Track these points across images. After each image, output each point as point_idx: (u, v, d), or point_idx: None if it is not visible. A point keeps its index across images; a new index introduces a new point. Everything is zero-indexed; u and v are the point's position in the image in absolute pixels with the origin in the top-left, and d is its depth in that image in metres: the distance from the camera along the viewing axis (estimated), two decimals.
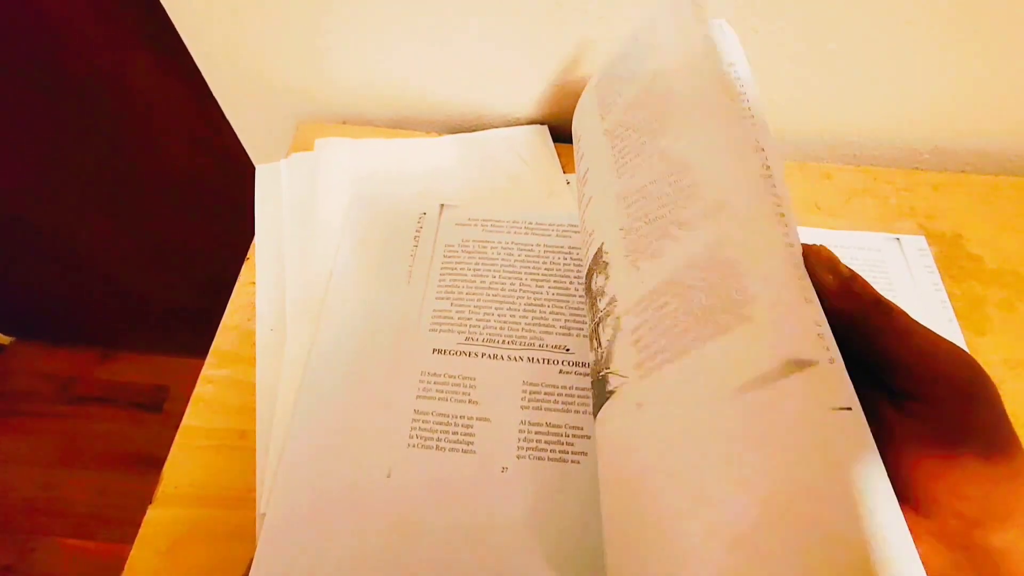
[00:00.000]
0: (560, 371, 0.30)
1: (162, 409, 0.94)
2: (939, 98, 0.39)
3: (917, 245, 0.37)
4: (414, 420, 0.29)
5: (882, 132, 0.42)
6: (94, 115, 0.52)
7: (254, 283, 0.34)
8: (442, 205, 0.37)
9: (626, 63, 0.28)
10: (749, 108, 0.23)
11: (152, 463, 0.94)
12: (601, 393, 0.23)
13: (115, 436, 0.92)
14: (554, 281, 0.34)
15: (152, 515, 0.27)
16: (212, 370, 0.31)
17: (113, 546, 0.84)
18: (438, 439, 0.28)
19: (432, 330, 0.32)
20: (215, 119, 0.45)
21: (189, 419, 0.30)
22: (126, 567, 0.26)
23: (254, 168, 0.51)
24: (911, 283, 0.35)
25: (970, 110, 0.39)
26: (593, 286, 0.26)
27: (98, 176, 0.60)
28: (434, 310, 0.32)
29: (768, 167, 0.21)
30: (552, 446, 0.28)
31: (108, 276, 0.79)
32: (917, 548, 0.15)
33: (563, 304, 0.33)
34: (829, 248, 0.21)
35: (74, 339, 0.96)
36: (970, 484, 0.16)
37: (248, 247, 0.37)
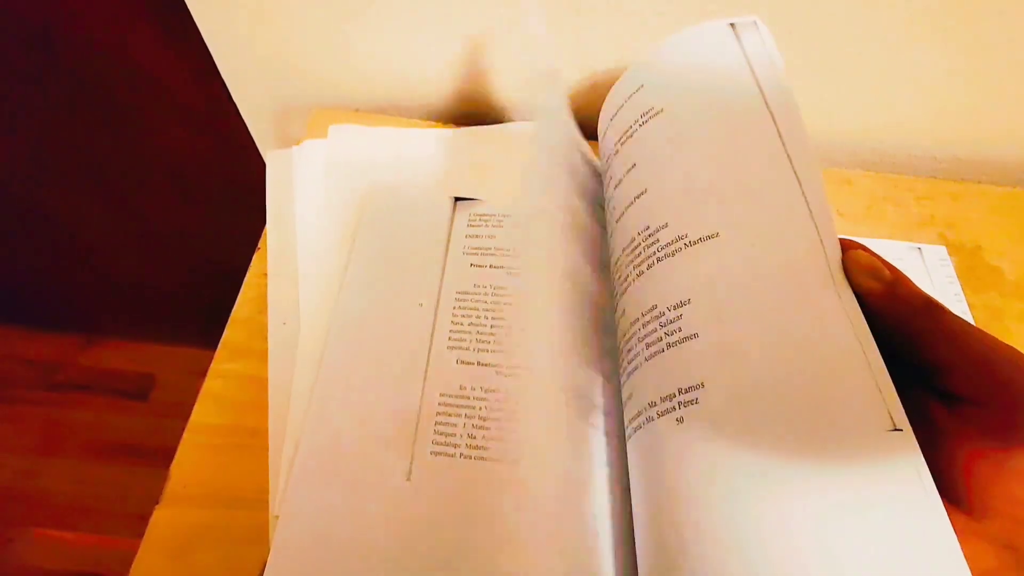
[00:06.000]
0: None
1: (148, 398, 0.91)
2: (959, 106, 0.39)
3: (938, 255, 0.37)
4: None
5: (903, 139, 0.41)
6: (89, 89, 0.49)
7: (266, 274, 0.33)
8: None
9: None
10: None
11: (137, 453, 0.92)
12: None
13: (98, 425, 0.89)
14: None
15: (159, 516, 0.26)
16: (222, 364, 0.30)
17: (94, 537, 0.82)
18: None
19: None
20: (221, 100, 0.44)
21: (197, 415, 0.28)
22: (132, 569, 0.24)
23: (258, 153, 0.49)
24: (932, 293, 0.35)
25: (989, 119, 0.39)
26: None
27: (90, 154, 0.58)
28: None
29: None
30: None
31: (95, 259, 0.76)
32: (963, 551, 0.15)
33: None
34: (869, 249, 0.21)
35: (57, 324, 0.93)
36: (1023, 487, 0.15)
37: (249, 235, 0.35)
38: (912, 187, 0.40)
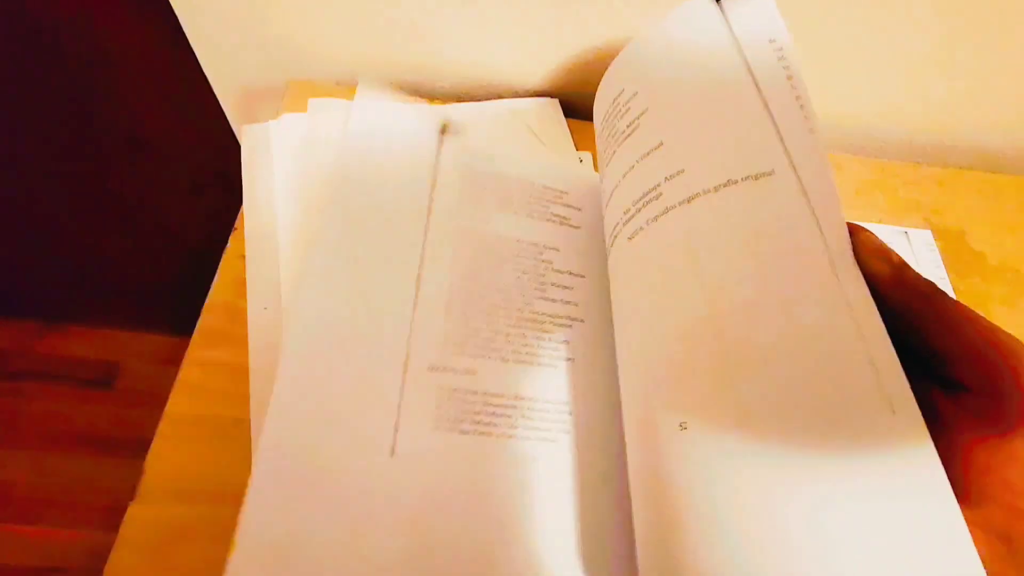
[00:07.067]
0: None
1: (112, 386, 0.87)
2: (946, 94, 0.39)
3: (924, 239, 0.37)
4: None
5: (890, 125, 0.41)
6: (47, 57, 0.46)
7: (243, 256, 0.31)
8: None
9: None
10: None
11: (102, 444, 0.88)
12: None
13: (59, 415, 0.85)
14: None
15: (134, 512, 0.24)
16: (198, 351, 0.28)
17: (58, 531, 0.78)
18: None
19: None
20: (189, 71, 0.41)
21: (174, 406, 0.27)
22: (106, 570, 0.23)
23: (230, 128, 0.47)
24: None
25: (973, 107, 0.40)
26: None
27: (47, 129, 0.54)
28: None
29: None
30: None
31: (52, 241, 0.72)
32: None
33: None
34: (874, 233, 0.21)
35: (10, 310, 0.88)
36: (1022, 476, 0.15)
37: (223, 214, 0.33)
38: (899, 172, 0.40)
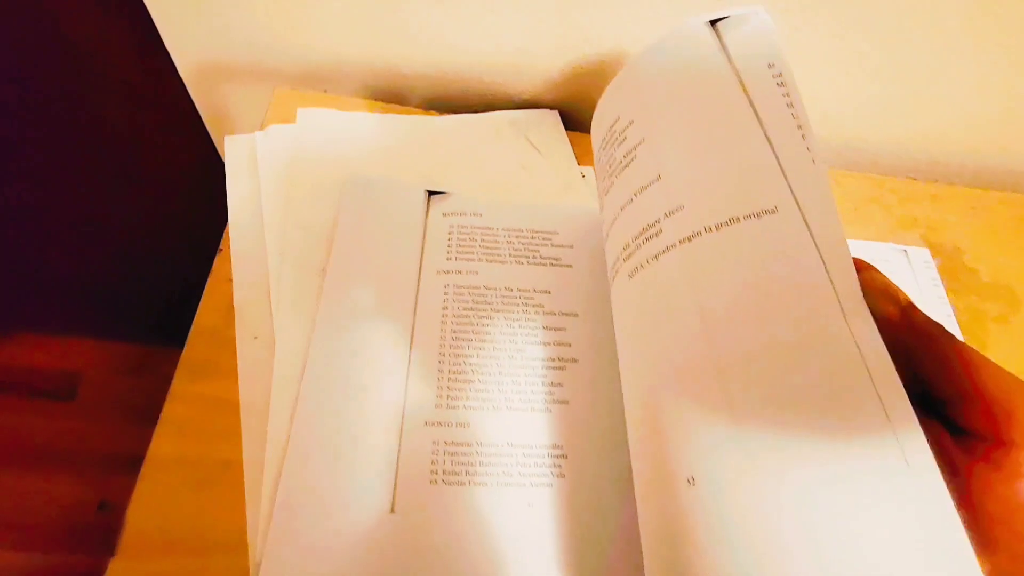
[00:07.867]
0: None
1: (75, 396, 0.83)
2: (946, 112, 0.39)
3: (922, 257, 0.37)
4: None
5: (889, 141, 0.42)
6: (11, 53, 0.42)
7: (230, 280, 0.29)
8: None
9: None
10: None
11: (63, 459, 0.83)
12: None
13: (16, 429, 0.80)
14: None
15: (116, 570, 0.22)
16: (184, 385, 0.26)
17: (14, 554, 0.74)
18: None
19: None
20: (164, 74, 0.38)
21: (157, 447, 0.24)
22: None
23: (208, 133, 0.44)
24: (919, 296, 0.36)
25: (968, 125, 0.40)
26: None
27: (9, 129, 0.50)
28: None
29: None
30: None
31: (10, 246, 0.67)
32: None
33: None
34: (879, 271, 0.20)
35: None
36: None
37: (200, 222, 0.31)
38: (895, 188, 0.40)
